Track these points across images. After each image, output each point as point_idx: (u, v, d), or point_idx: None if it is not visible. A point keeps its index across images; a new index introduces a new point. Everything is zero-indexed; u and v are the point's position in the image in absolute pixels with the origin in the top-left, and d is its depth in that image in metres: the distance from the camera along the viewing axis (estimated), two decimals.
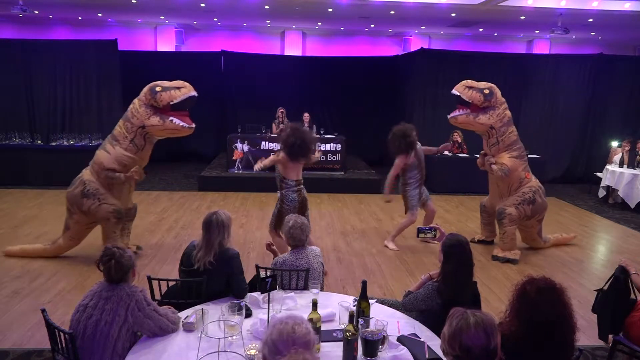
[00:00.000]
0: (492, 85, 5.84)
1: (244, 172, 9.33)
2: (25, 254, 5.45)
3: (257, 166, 5.21)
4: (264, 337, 1.72)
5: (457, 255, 2.84)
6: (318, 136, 9.85)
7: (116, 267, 2.52)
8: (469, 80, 5.85)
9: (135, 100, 5.14)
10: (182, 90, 4.98)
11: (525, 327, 2.12)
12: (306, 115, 10.28)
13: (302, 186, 5.09)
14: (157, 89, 4.97)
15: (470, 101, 5.67)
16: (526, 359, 2.13)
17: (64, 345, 2.50)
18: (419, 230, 3.46)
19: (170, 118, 4.98)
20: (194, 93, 5.04)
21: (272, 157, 5.09)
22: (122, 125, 5.15)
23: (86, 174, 5.24)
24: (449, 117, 5.93)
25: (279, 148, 5.01)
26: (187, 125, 5.06)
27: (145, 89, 5.10)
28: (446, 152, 9.69)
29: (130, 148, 5.08)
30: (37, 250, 5.46)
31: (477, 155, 6.24)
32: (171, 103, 4.93)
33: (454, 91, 5.77)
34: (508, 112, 5.84)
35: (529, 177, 5.89)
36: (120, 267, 2.54)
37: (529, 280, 2.25)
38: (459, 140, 9.58)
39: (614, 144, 9.64)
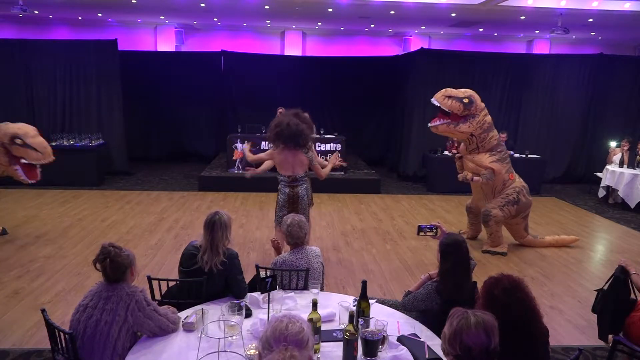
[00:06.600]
0: (472, 93, 5.91)
1: (244, 172, 9.31)
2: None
3: (248, 174, 5.20)
4: (261, 334, 1.79)
5: (453, 254, 2.88)
6: (318, 136, 9.85)
7: (111, 266, 2.50)
8: (449, 89, 5.93)
9: None
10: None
11: (501, 329, 2.10)
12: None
13: (297, 183, 5.00)
14: None
15: (450, 111, 5.78)
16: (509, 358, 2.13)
17: (64, 345, 2.50)
18: (420, 228, 3.45)
19: None
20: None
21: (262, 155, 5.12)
22: None
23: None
24: (429, 125, 6.08)
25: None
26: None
27: None
28: (446, 152, 9.71)
29: None
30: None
31: None
32: None
33: (434, 101, 5.86)
34: (488, 118, 5.95)
35: (512, 178, 6.03)
36: (116, 266, 2.51)
37: (493, 283, 2.24)
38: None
39: (613, 144, 9.64)
